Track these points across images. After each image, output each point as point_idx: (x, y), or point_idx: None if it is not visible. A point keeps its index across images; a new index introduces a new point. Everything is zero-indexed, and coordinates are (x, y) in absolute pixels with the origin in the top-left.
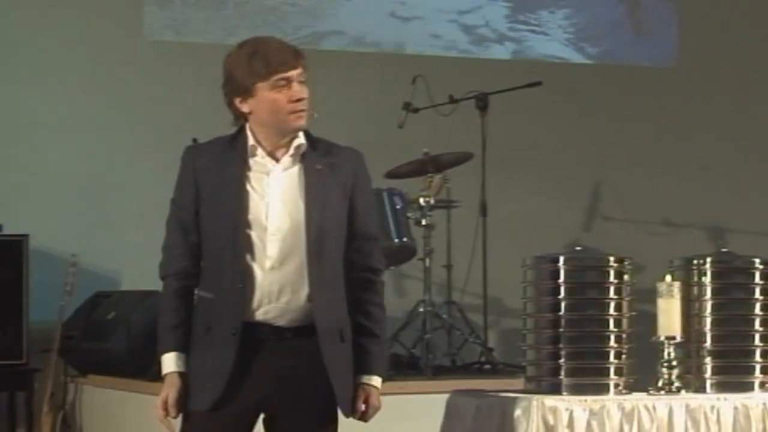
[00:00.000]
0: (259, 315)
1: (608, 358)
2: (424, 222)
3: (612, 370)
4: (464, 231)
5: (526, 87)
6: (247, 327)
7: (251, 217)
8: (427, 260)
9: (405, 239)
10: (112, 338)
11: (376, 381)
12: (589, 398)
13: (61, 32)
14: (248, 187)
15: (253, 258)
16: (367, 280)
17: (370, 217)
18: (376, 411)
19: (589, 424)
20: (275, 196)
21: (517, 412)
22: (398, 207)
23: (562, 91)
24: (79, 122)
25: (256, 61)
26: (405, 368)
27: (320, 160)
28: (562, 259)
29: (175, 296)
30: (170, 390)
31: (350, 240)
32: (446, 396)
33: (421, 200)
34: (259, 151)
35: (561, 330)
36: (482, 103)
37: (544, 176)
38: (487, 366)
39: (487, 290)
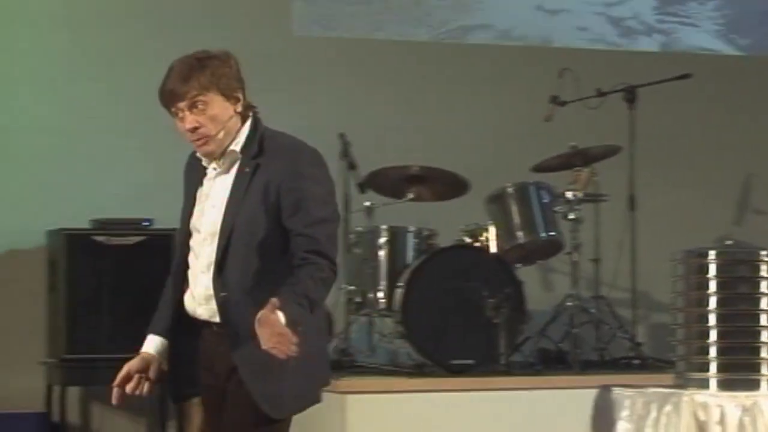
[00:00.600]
0: (199, 314)
1: (760, 353)
2: (571, 216)
3: (764, 366)
4: (612, 225)
5: (675, 79)
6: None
7: (193, 222)
8: (575, 254)
9: (552, 233)
10: None
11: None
12: (741, 394)
13: (209, 29)
14: (198, 194)
15: (195, 262)
16: (298, 266)
17: (302, 212)
18: (268, 327)
19: (741, 421)
20: (209, 202)
21: (668, 408)
22: (545, 201)
23: (711, 83)
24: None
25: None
26: (553, 363)
27: (250, 162)
28: (712, 253)
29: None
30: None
31: (291, 237)
32: (594, 391)
33: (569, 194)
34: (206, 162)
35: (711, 325)
36: (630, 95)
37: (694, 169)
38: (636, 361)
39: (636, 284)
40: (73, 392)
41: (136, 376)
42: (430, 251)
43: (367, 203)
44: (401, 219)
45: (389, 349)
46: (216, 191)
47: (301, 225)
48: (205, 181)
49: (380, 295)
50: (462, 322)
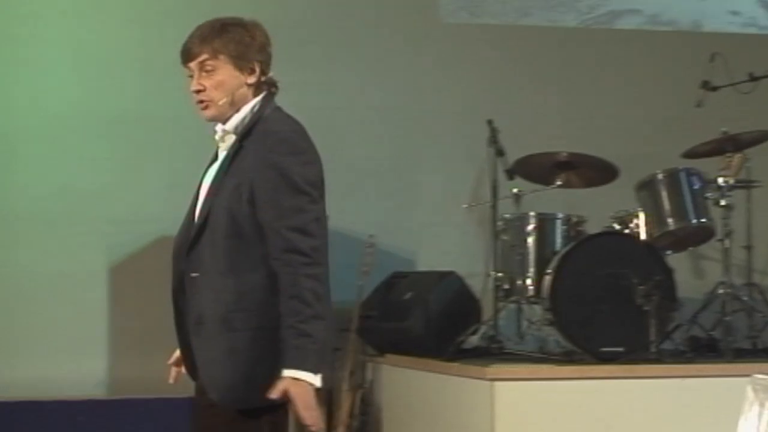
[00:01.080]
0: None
1: None
2: (723, 202)
3: None
4: (765, 211)
5: None
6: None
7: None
8: (727, 241)
9: (703, 220)
10: (410, 318)
11: (291, 373)
12: None
13: (355, 18)
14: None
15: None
16: (277, 272)
17: (270, 204)
18: (304, 404)
19: None
20: (204, 186)
21: None
22: (696, 187)
23: None
24: (374, 106)
25: None
26: (704, 350)
27: (234, 145)
28: None
29: None
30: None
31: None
32: (746, 379)
33: (720, 180)
34: (217, 137)
35: None
36: None
37: None
38: None
39: None
40: None
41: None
42: (579, 238)
43: (515, 190)
44: (549, 206)
45: (538, 336)
46: (209, 175)
47: (272, 218)
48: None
49: (529, 282)
50: (611, 310)
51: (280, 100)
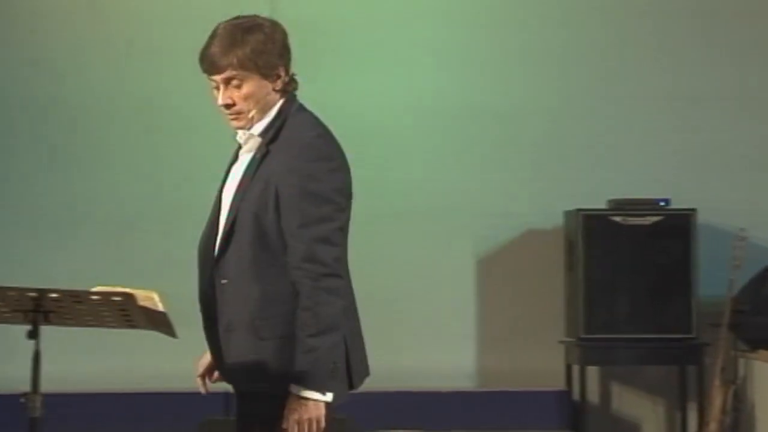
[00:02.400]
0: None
1: None
2: None
3: None
4: None
5: None
6: None
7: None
8: None
9: None
10: None
11: (295, 390)
12: None
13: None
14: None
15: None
16: (295, 281)
17: (294, 211)
18: (295, 420)
19: None
20: (229, 186)
21: None
22: None
23: None
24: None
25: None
26: None
27: (261, 149)
28: None
29: None
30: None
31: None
32: None
33: None
34: (238, 137)
35: None
36: None
37: None
38: None
39: None
40: (592, 371)
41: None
42: None
43: None
44: None
45: None
46: (236, 170)
47: (294, 226)
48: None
49: None
50: None
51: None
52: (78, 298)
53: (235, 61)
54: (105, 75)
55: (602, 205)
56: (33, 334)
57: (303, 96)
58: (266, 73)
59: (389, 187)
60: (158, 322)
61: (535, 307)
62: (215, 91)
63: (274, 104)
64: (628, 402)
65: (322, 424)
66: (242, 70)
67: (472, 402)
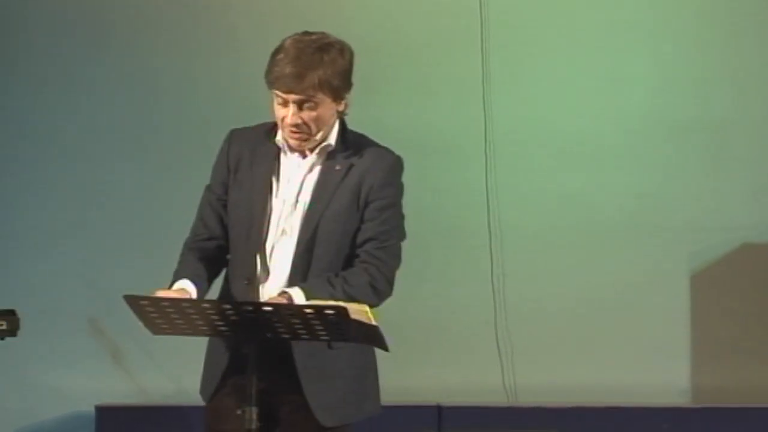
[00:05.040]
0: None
1: None
2: None
3: None
4: None
5: None
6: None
7: (268, 210)
8: None
9: None
10: None
11: (293, 291)
12: None
13: None
14: (273, 182)
15: (270, 254)
16: (357, 265)
17: (379, 218)
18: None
19: None
20: (292, 194)
21: None
22: None
23: None
24: None
25: (269, 61)
26: None
27: (343, 161)
28: None
29: None
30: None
31: (360, 244)
32: None
33: None
34: (286, 148)
35: None
36: None
37: None
38: None
39: None
40: None
41: None
42: None
43: None
44: None
45: None
46: (295, 178)
47: (377, 229)
48: (282, 166)
49: None
50: None
51: None
52: (291, 311)
53: (314, 82)
54: None
55: None
56: (248, 348)
57: (524, 111)
58: (337, 96)
59: (602, 202)
60: (370, 335)
61: (751, 322)
62: (278, 107)
63: (332, 124)
64: None
65: None
66: (320, 93)
67: (686, 419)
